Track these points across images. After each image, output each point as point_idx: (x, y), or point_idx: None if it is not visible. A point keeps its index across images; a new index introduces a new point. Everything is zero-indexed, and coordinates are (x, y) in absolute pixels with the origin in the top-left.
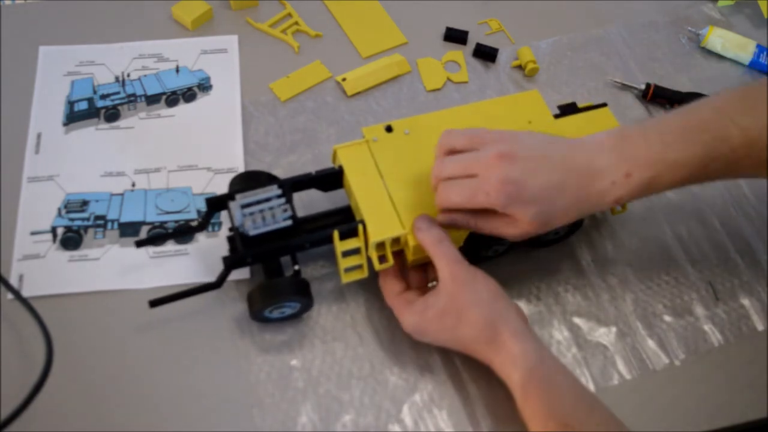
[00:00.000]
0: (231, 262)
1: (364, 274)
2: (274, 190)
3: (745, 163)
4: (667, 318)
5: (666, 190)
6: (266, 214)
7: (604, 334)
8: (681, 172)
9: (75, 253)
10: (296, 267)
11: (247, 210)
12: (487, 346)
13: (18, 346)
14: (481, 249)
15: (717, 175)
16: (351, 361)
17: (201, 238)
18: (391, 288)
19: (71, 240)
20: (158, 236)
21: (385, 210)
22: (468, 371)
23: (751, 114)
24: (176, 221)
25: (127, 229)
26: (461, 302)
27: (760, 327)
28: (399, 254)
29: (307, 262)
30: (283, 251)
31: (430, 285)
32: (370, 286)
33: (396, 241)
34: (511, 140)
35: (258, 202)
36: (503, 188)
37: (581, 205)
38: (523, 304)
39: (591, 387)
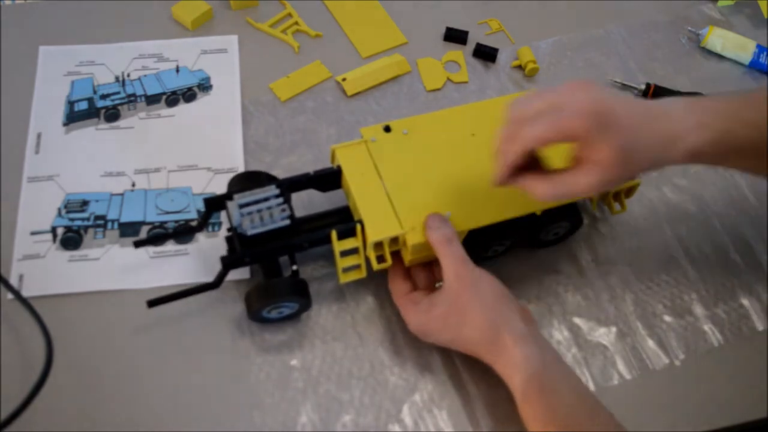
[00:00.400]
0: (229, 262)
1: (362, 274)
2: (272, 190)
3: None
4: (667, 318)
5: (738, 152)
6: (264, 214)
7: (604, 334)
8: (754, 133)
9: (75, 253)
10: (294, 267)
11: (245, 210)
12: (489, 348)
13: (18, 346)
14: (480, 249)
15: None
16: (351, 361)
17: (201, 238)
18: (399, 288)
19: (71, 240)
20: (157, 236)
21: (383, 210)
22: (468, 371)
23: None
24: (176, 221)
25: (127, 229)
26: (465, 303)
27: (760, 327)
28: (398, 255)
29: (307, 262)
30: (281, 251)
31: (437, 285)
32: (371, 286)
33: (394, 241)
34: (588, 81)
35: (256, 202)
36: (593, 107)
37: (659, 148)
38: (522, 304)
39: (591, 387)
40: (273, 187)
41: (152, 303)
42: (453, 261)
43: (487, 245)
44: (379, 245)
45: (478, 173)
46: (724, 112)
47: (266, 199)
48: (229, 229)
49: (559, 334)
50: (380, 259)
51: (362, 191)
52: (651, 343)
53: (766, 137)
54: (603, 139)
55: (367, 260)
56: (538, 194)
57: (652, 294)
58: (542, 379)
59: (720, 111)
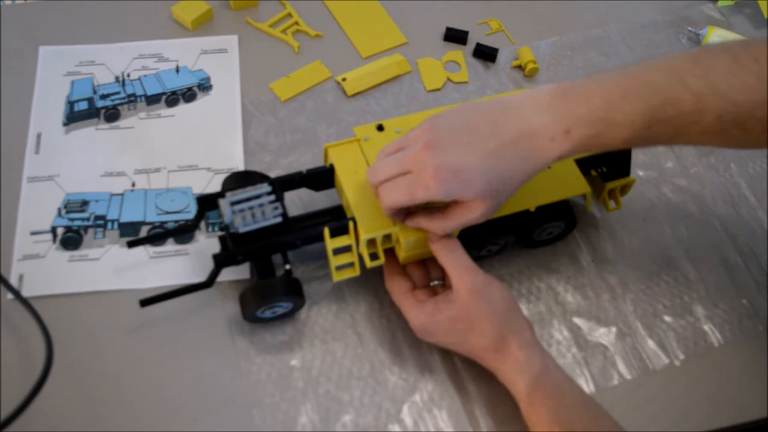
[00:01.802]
0: (221, 260)
1: (355, 272)
2: (264, 187)
3: (693, 129)
4: (667, 318)
5: (610, 149)
6: (256, 212)
7: (604, 334)
8: (624, 133)
9: (75, 253)
10: (287, 266)
11: (237, 207)
12: (495, 355)
13: (18, 346)
14: (474, 249)
15: (662, 139)
16: (351, 361)
17: (201, 238)
18: (398, 286)
19: (71, 240)
20: (152, 236)
21: (375, 208)
22: (468, 371)
23: (705, 78)
24: (176, 221)
25: (127, 229)
26: (475, 313)
27: (760, 327)
28: (392, 253)
29: (306, 262)
30: (273, 249)
31: (432, 284)
32: (370, 285)
33: (387, 238)
34: (435, 126)
35: (248, 200)
36: (439, 177)
37: (525, 166)
38: (523, 304)
39: (591, 387)
40: (265, 185)
41: (145, 302)
42: (461, 271)
43: (482, 244)
44: (372, 243)
45: None
46: (590, 117)
47: (258, 197)
48: (222, 229)
49: (559, 334)
50: (374, 257)
51: (355, 189)
52: (651, 343)
53: (636, 136)
54: (463, 193)
55: (361, 259)
56: (436, 230)
57: (652, 294)
58: (546, 383)
59: (587, 118)
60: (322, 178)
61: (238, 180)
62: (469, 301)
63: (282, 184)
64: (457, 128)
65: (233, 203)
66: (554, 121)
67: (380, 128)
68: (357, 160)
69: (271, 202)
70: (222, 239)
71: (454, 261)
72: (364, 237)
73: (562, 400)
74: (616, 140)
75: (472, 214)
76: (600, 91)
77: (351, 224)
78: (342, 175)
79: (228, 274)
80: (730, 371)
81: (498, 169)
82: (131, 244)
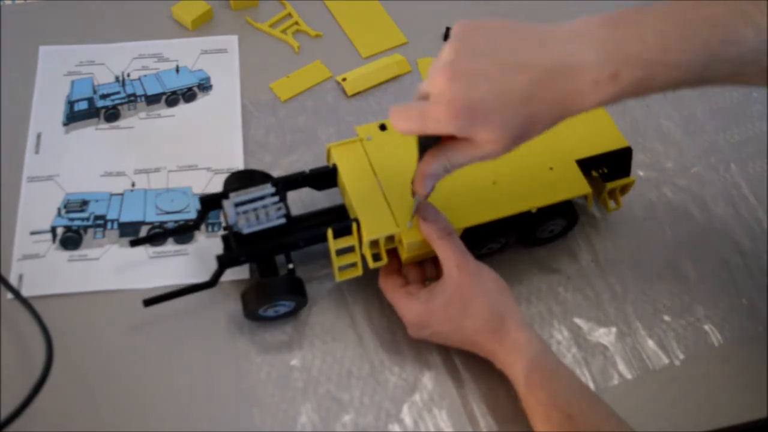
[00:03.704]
0: (225, 261)
1: (358, 272)
2: (267, 188)
3: (751, 69)
4: (667, 318)
5: (657, 93)
6: (260, 213)
7: (604, 334)
8: (677, 75)
9: (75, 253)
10: (290, 266)
11: (241, 208)
12: (492, 336)
13: (18, 346)
14: (475, 247)
15: (716, 80)
16: (351, 361)
17: (201, 238)
18: (392, 283)
19: (71, 240)
20: (153, 236)
21: (379, 208)
22: (468, 371)
23: None
24: (176, 221)
25: (127, 229)
26: (468, 293)
27: (760, 327)
28: (394, 252)
29: (307, 261)
30: (277, 250)
31: (427, 282)
32: (370, 285)
33: (390, 239)
34: (459, 46)
35: (252, 201)
36: (451, 111)
37: (555, 111)
38: (523, 304)
39: (591, 387)
40: (269, 185)
41: (148, 302)
42: (453, 253)
43: (483, 243)
44: (374, 243)
45: (474, 171)
46: (643, 58)
47: (262, 198)
48: (224, 228)
49: (559, 334)
50: (376, 257)
51: (358, 190)
52: (651, 343)
53: (690, 78)
54: (477, 131)
55: (363, 258)
56: (438, 167)
57: (652, 294)
58: (545, 364)
59: (639, 58)
60: (325, 178)
61: (240, 179)
62: (461, 281)
63: (285, 184)
64: (482, 52)
65: (237, 204)
66: (601, 60)
67: (383, 128)
68: (360, 160)
69: (275, 202)
70: (225, 239)
71: (447, 244)
72: (367, 238)
73: (559, 383)
74: (668, 83)
75: (479, 152)
76: (656, 26)
77: (354, 225)
78: (345, 175)
79: (228, 274)
80: (730, 371)
81: (521, 112)
82: (134, 243)
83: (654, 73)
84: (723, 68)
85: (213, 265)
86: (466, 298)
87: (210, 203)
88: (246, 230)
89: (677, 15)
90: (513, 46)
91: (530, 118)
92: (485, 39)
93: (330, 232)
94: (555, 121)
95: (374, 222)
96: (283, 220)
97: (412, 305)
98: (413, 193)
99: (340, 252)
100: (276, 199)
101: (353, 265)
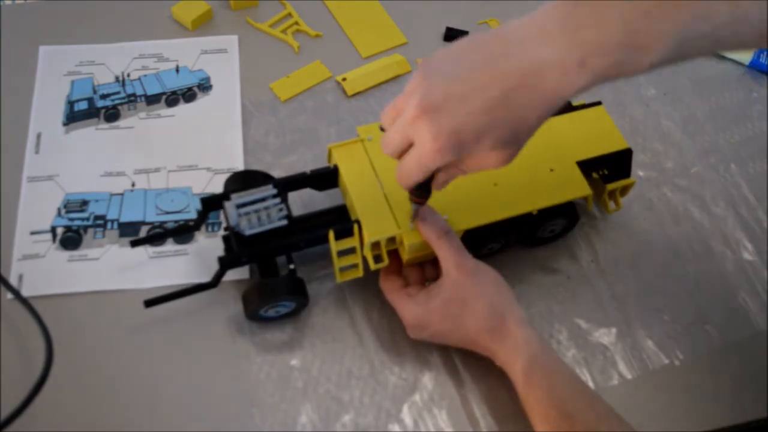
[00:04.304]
0: (226, 262)
1: (359, 273)
2: (269, 189)
3: (726, 41)
4: (667, 318)
5: (637, 75)
6: (261, 214)
7: (604, 334)
8: (649, 58)
9: (74, 253)
10: (291, 266)
11: (243, 210)
12: (491, 335)
13: (18, 346)
14: (476, 248)
15: (694, 55)
16: (351, 361)
17: (200, 238)
18: (391, 284)
19: (71, 240)
20: (154, 236)
21: (380, 209)
22: (468, 371)
23: None
24: (176, 221)
25: (127, 229)
26: (466, 292)
27: (760, 327)
28: (396, 253)
29: (307, 262)
30: (278, 251)
31: (427, 284)
32: (370, 286)
33: (391, 240)
34: (425, 79)
35: (253, 202)
36: (440, 144)
37: (539, 108)
38: (523, 304)
39: (591, 386)
40: (270, 186)
41: (149, 303)
42: (452, 252)
43: (483, 243)
44: (376, 245)
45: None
46: (608, 44)
47: (263, 199)
48: (226, 229)
49: (559, 334)
50: (377, 258)
51: (359, 191)
52: (651, 343)
53: (664, 58)
54: (473, 151)
55: (364, 259)
56: (449, 176)
57: (652, 294)
58: (544, 361)
59: (604, 44)
60: (326, 178)
61: (241, 179)
62: (459, 280)
63: (286, 185)
64: (450, 78)
65: (239, 206)
66: (564, 53)
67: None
68: (361, 160)
69: (276, 204)
70: (226, 240)
71: (445, 244)
72: (368, 240)
73: (558, 381)
74: (642, 66)
75: (487, 163)
76: (617, 9)
77: (355, 227)
78: (346, 176)
79: (228, 274)
80: (730, 371)
81: (507, 120)
82: (134, 244)
83: (623, 58)
84: (698, 44)
85: (213, 265)
86: (465, 296)
87: (211, 204)
88: (248, 232)
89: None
90: (477, 61)
91: (517, 123)
92: (448, 63)
93: (331, 234)
94: (543, 117)
95: (375, 223)
96: (284, 222)
97: (411, 307)
98: (411, 200)
99: (342, 253)
100: (277, 200)
101: (354, 266)
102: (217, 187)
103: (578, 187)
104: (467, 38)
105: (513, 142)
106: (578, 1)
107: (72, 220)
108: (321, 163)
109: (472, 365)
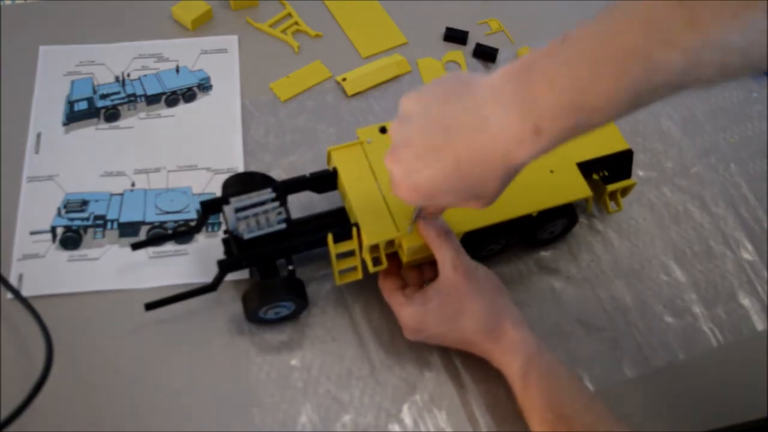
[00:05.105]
0: (226, 266)
1: (358, 275)
2: (268, 193)
3: (692, 85)
4: (667, 318)
5: (600, 127)
6: (261, 218)
7: (604, 335)
8: (605, 115)
9: (74, 253)
10: (290, 267)
11: (242, 214)
12: (488, 336)
13: (18, 346)
14: (476, 249)
15: (651, 102)
16: (351, 361)
17: (200, 238)
18: (390, 286)
19: (71, 240)
20: (154, 238)
21: (379, 212)
22: (468, 371)
23: (696, 29)
24: (176, 221)
25: (127, 229)
26: (463, 293)
27: (760, 327)
28: (395, 254)
29: (306, 262)
30: (277, 254)
31: (425, 285)
32: (370, 286)
33: (390, 243)
34: (395, 127)
35: (252, 206)
36: (406, 192)
37: (497, 175)
38: (523, 305)
39: (591, 387)
40: (269, 190)
41: (150, 306)
42: (449, 253)
43: (483, 244)
44: (374, 248)
45: None
46: (561, 108)
47: (262, 203)
48: (225, 231)
49: (558, 335)
50: (376, 261)
51: (358, 193)
52: (651, 343)
53: (621, 112)
54: (442, 200)
55: (364, 262)
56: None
57: (652, 294)
58: (541, 363)
59: (556, 108)
60: (326, 181)
61: (239, 181)
62: (456, 280)
63: (285, 188)
64: (410, 135)
65: (238, 210)
66: (517, 119)
67: (383, 130)
68: (360, 163)
69: (275, 207)
70: (225, 242)
71: (443, 244)
72: (367, 243)
73: (555, 382)
74: (598, 123)
75: (464, 207)
76: (567, 69)
77: (354, 230)
78: (345, 179)
79: (228, 275)
80: (730, 371)
81: (465, 185)
82: (135, 247)
83: (577, 121)
84: (653, 94)
85: (213, 265)
86: (462, 297)
87: (211, 207)
88: (247, 236)
89: (587, 51)
90: (435, 119)
91: (477, 187)
92: (408, 121)
93: (330, 238)
94: (505, 182)
95: (374, 227)
96: (283, 225)
97: (407, 308)
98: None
99: (341, 256)
100: (276, 204)
101: (353, 268)
102: (217, 187)
103: (578, 189)
104: (432, 87)
105: (480, 198)
106: (534, 55)
107: (72, 220)
108: (321, 163)
109: (472, 366)
